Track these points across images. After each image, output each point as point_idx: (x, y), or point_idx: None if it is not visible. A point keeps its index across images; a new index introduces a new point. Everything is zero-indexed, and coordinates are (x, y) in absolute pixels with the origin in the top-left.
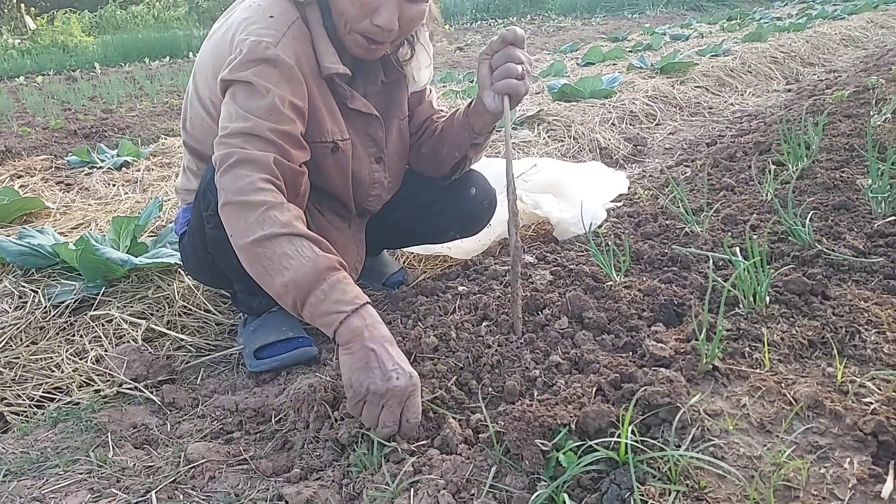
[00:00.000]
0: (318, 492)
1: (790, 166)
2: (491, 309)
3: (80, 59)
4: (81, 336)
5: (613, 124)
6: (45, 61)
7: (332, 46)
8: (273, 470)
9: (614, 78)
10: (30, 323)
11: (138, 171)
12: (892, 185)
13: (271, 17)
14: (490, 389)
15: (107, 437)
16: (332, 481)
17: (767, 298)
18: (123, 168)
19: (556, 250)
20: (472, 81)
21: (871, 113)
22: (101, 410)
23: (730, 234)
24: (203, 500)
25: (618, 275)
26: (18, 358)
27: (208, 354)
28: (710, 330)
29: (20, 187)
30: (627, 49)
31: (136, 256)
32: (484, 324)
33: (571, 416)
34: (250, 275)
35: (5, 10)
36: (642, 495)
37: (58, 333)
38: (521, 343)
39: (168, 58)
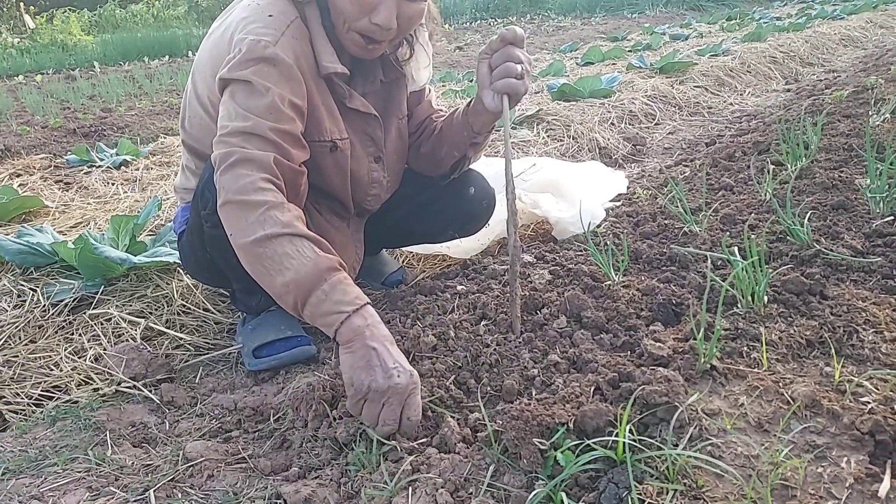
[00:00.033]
0: (316, 490)
1: (789, 166)
2: (489, 308)
3: (80, 57)
4: (80, 335)
5: (613, 124)
6: (45, 60)
7: (331, 46)
8: (271, 468)
9: (613, 77)
10: (28, 321)
11: (137, 169)
12: (891, 185)
13: (270, 16)
14: (488, 388)
15: (105, 435)
16: (331, 480)
17: (766, 298)
18: (122, 167)
19: (554, 250)
20: (471, 81)
21: (870, 113)
22: (100, 409)
23: (728, 233)
24: (201, 498)
25: (616, 274)
26: (17, 356)
27: (207, 353)
28: (709, 329)
29: (19, 186)
30: (627, 49)
31: (135, 255)
32: (482, 323)
33: (569, 416)
34: (250, 274)
35: (4, 9)
36: (640, 494)
37: (56, 332)
38: (520, 342)
39: (167, 57)
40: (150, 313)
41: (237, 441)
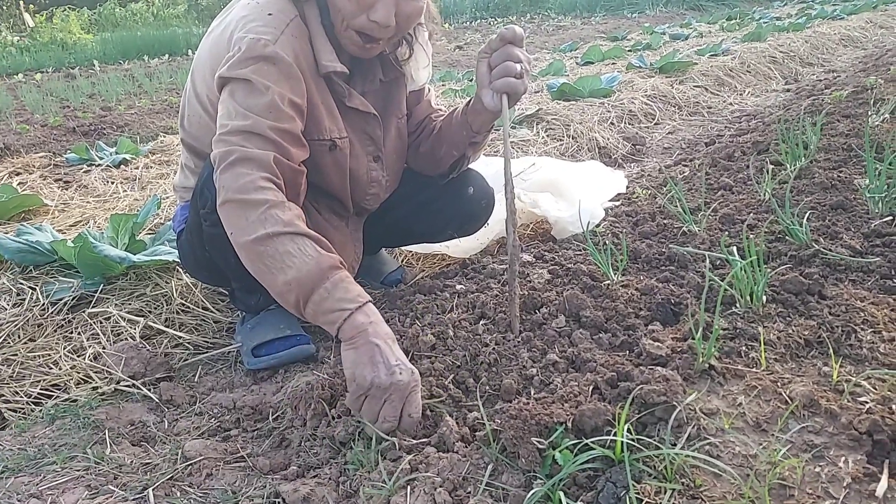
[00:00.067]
0: (314, 489)
1: (788, 166)
2: (489, 307)
3: (79, 56)
4: (79, 333)
5: (612, 123)
6: (44, 58)
7: (331, 44)
8: (270, 467)
9: (613, 77)
10: (28, 320)
11: (137, 168)
12: (890, 185)
13: (270, 14)
14: (487, 388)
15: (104, 434)
16: (329, 479)
17: (764, 298)
18: (122, 166)
19: (553, 249)
20: (471, 80)
21: (870, 113)
22: (99, 408)
23: (727, 233)
24: (200, 497)
25: (615, 274)
26: (16, 355)
27: (206, 352)
28: (707, 329)
29: (19, 184)
30: (627, 48)
31: (135, 254)
32: (481, 322)
33: (568, 415)
34: (251, 273)
35: (4, 7)
36: (638, 494)
37: (56, 331)
38: (519, 341)
39: (167, 55)
40: (150, 312)
41: (236, 440)
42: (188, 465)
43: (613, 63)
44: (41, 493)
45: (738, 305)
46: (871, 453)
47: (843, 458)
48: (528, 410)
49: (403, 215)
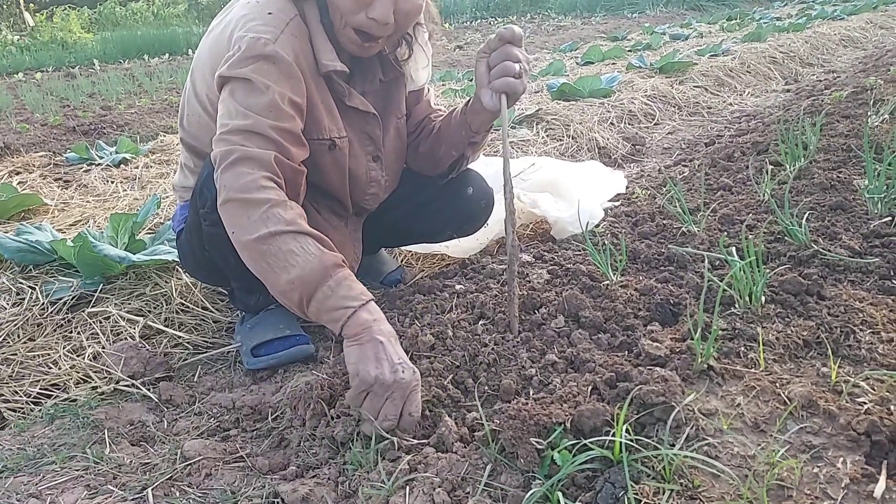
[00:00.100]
0: (314, 489)
1: (787, 166)
2: (488, 308)
3: (79, 55)
4: (79, 333)
5: (612, 124)
6: (44, 58)
7: (330, 44)
8: (269, 467)
9: (613, 77)
10: (27, 320)
11: (137, 168)
12: (889, 185)
13: (270, 13)
14: (486, 388)
15: (103, 433)
16: (328, 479)
17: (763, 298)
18: (122, 165)
19: (553, 249)
20: (471, 80)
21: (869, 114)
22: (98, 407)
23: (726, 233)
24: (199, 497)
25: (614, 274)
26: (16, 355)
27: (205, 352)
28: (706, 329)
29: (18, 184)
30: (627, 48)
31: (134, 253)
32: (480, 322)
33: (566, 415)
34: (253, 272)
35: (4, 6)
36: (636, 494)
37: (55, 330)
38: (518, 342)
39: (167, 55)
40: (149, 311)
41: (235, 440)
42: (187, 465)
43: (613, 63)
44: (40, 493)
45: (736, 306)
46: (870, 454)
47: (841, 459)
48: (526, 411)
49: (403, 215)
